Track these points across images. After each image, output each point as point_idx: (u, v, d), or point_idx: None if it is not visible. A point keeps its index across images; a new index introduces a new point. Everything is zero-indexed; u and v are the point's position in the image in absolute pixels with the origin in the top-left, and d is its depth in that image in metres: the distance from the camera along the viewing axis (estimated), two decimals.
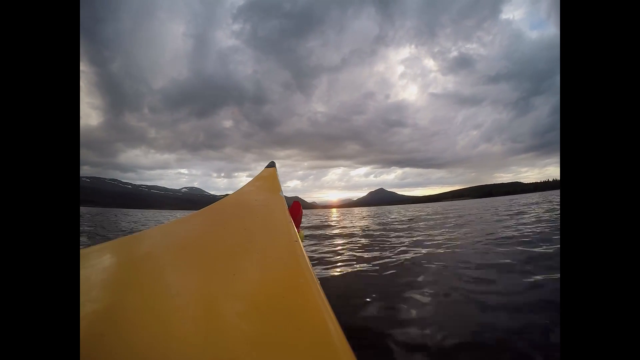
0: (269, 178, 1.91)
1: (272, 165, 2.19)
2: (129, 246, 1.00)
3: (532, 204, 14.07)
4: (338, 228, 8.05)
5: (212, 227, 1.19)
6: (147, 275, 0.74)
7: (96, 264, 0.82)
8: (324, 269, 3.04)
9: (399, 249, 3.91)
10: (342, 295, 2.15)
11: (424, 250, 3.70)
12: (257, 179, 1.92)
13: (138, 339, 0.48)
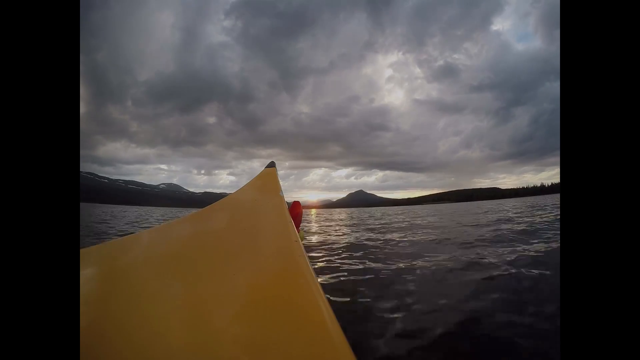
0: (269, 178, 1.90)
1: (272, 165, 2.18)
2: (129, 246, 1.00)
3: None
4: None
5: (211, 227, 1.19)
6: (147, 276, 0.74)
7: (96, 264, 0.80)
8: None
9: None
10: None
11: None
12: (257, 178, 1.92)
13: (138, 339, 0.48)
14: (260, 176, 1.97)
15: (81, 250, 0.82)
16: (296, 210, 1.78)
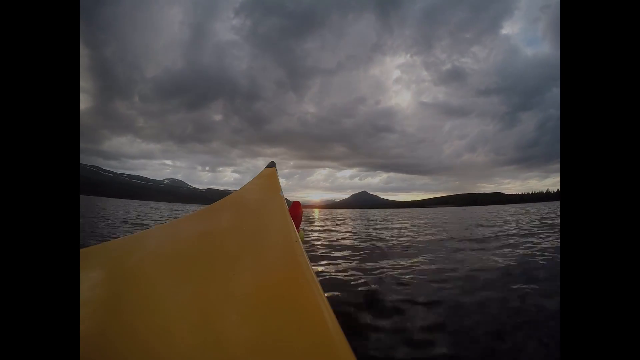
0: (269, 178, 1.91)
1: (272, 165, 2.19)
2: (129, 246, 0.99)
3: None
4: None
5: (212, 227, 1.19)
6: (147, 276, 0.74)
7: (96, 264, 0.80)
8: None
9: None
10: None
11: None
12: (257, 178, 1.93)
13: (138, 339, 0.48)
14: (261, 176, 1.98)
15: (81, 250, 0.82)
16: (296, 210, 1.79)
